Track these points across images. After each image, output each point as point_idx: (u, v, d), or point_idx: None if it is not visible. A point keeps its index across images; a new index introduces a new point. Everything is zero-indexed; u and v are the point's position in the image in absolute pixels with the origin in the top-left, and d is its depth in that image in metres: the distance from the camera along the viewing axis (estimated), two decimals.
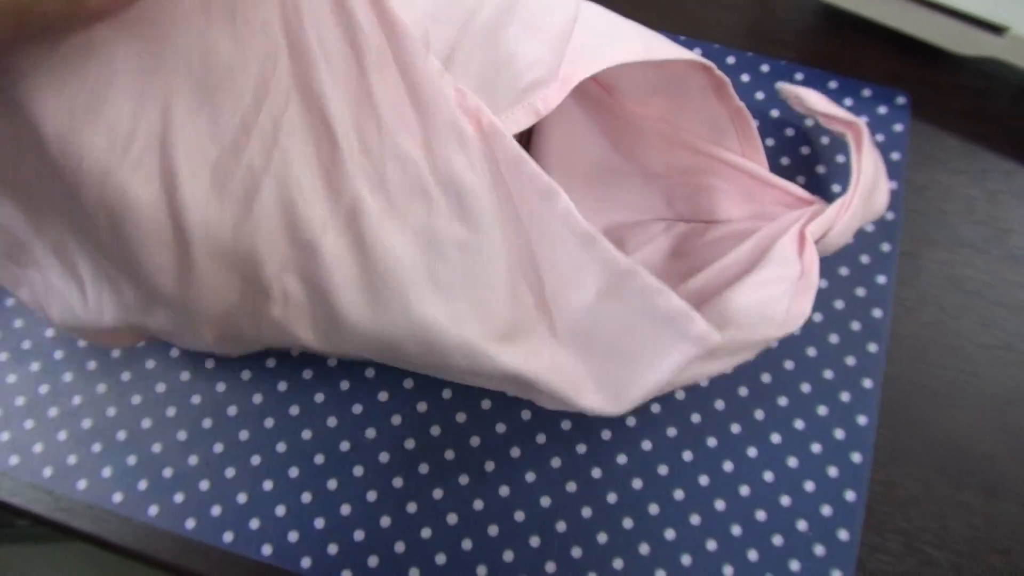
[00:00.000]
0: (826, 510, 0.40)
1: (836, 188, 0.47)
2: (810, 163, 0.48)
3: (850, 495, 0.40)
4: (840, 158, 0.47)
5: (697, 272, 0.42)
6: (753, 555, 0.39)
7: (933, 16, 0.46)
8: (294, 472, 0.41)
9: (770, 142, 0.48)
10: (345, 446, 0.42)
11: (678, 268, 0.43)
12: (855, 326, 0.43)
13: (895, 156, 0.47)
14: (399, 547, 0.40)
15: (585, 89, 0.44)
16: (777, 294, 0.36)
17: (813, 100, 0.43)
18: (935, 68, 0.49)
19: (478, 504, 0.40)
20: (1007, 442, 0.41)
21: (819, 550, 0.39)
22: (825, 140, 0.48)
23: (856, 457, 0.41)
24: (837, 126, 0.43)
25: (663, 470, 0.41)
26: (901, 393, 0.42)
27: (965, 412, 0.42)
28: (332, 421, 0.42)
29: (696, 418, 0.42)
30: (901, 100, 0.48)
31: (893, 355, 0.43)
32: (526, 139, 0.43)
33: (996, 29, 0.45)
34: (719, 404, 0.42)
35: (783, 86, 0.45)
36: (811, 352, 0.43)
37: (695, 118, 0.43)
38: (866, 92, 0.49)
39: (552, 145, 0.43)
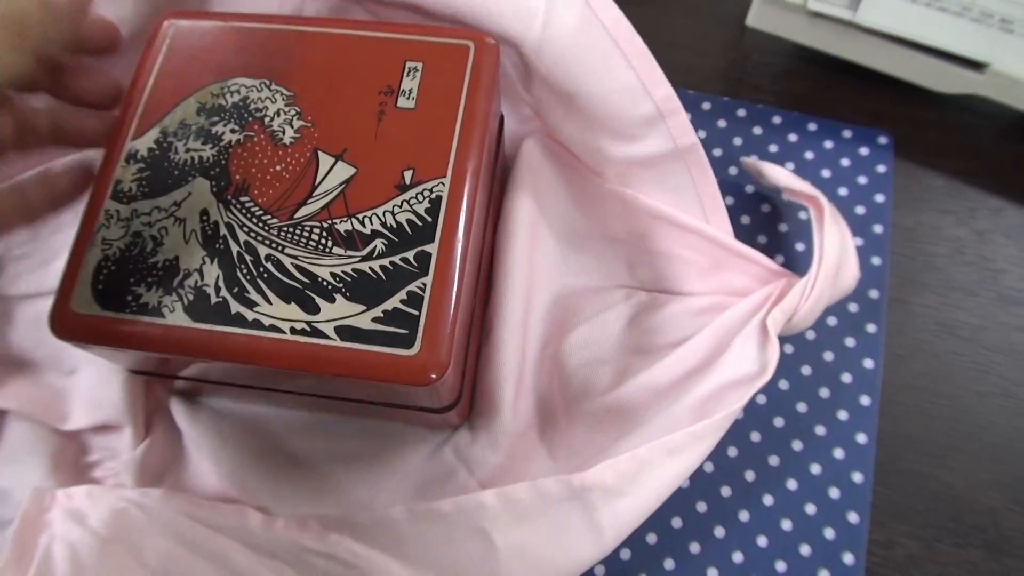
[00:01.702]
0: (824, 575, 0.38)
1: (800, 247, 0.45)
2: (773, 221, 0.46)
3: (848, 558, 0.38)
4: (803, 215, 0.46)
5: (649, 351, 0.41)
6: None
7: (912, 55, 0.45)
8: None
9: (730, 200, 0.47)
10: None
11: (633, 340, 0.42)
12: (846, 378, 0.42)
13: (879, 198, 0.46)
14: None
15: (554, 148, 0.43)
16: (734, 399, 0.36)
17: (775, 174, 0.42)
18: (916, 106, 0.48)
19: None
20: (1010, 495, 0.40)
21: None
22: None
23: (853, 517, 0.39)
24: (799, 199, 0.42)
25: (651, 539, 0.39)
26: (897, 447, 0.41)
27: (965, 465, 0.40)
28: None
29: (685, 483, 0.40)
30: (883, 140, 0.47)
31: (887, 408, 0.41)
32: (500, 187, 0.42)
33: (976, 65, 0.44)
34: (708, 467, 0.41)
35: (746, 160, 0.44)
36: (801, 408, 0.41)
37: (654, 181, 0.41)
38: (847, 133, 0.48)
39: (525, 200, 0.42)
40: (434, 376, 0.27)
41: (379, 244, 0.29)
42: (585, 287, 0.43)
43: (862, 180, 0.46)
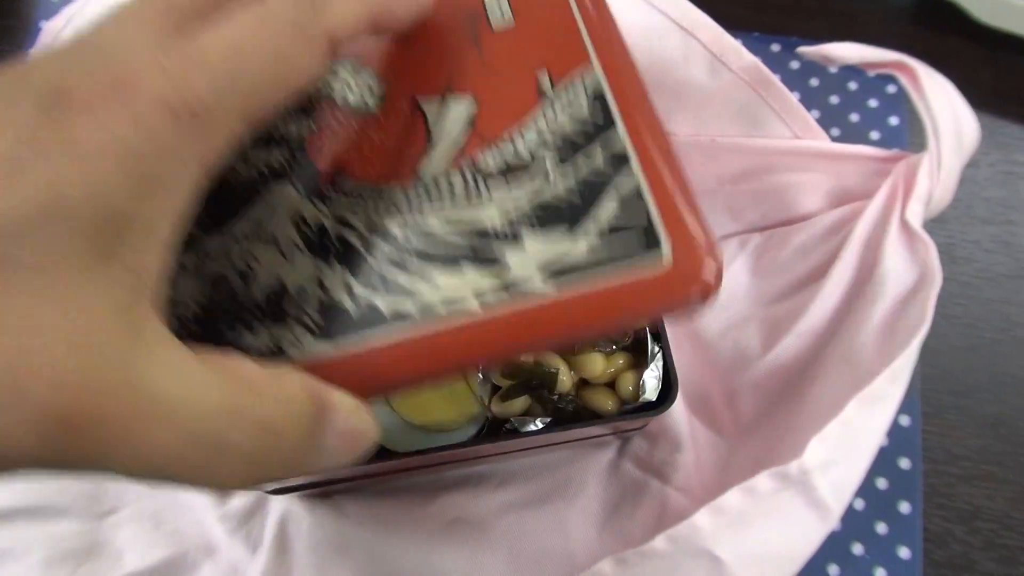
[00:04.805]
0: None
1: (875, 135, 0.42)
2: (842, 112, 0.43)
3: None
4: (873, 103, 0.43)
5: (789, 294, 0.38)
6: None
7: None
8: None
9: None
10: None
11: (766, 287, 0.38)
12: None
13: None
14: None
15: None
16: (914, 318, 0.32)
17: (844, 52, 0.37)
18: None
19: None
20: None
21: None
22: (854, 85, 0.43)
23: None
24: (883, 70, 0.38)
25: None
26: None
27: None
28: None
29: None
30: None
31: None
32: None
33: None
34: None
35: (805, 49, 0.40)
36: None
37: (727, 118, 0.39)
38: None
39: None
40: (711, 274, 0.20)
41: (547, 162, 0.23)
42: None
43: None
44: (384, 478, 0.36)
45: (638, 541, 0.31)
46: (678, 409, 0.36)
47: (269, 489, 0.33)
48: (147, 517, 0.38)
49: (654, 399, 0.29)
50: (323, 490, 0.37)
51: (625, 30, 0.37)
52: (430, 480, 0.37)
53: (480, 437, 0.31)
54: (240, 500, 0.38)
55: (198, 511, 0.38)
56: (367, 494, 0.37)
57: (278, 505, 0.37)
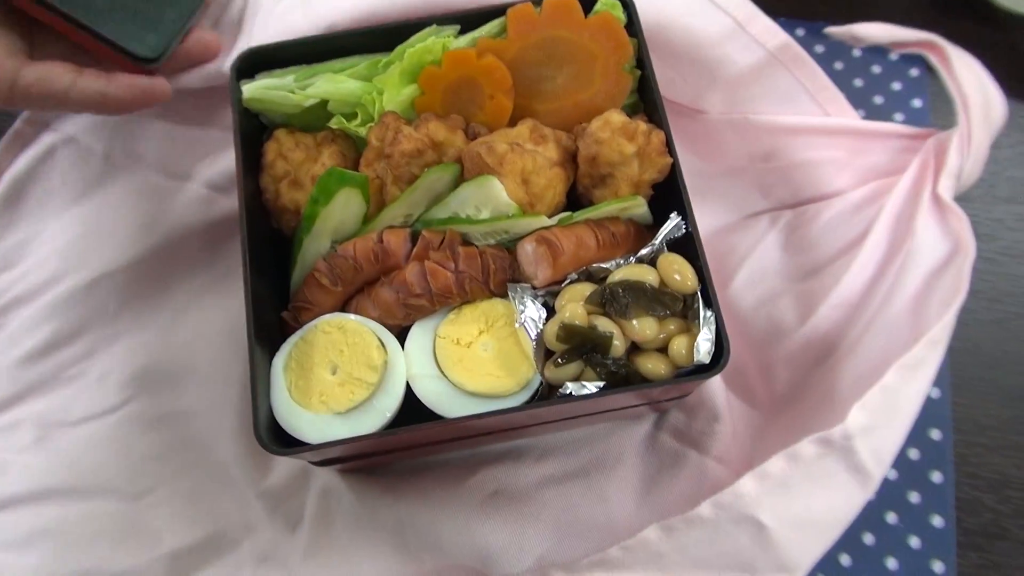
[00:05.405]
0: None
1: (899, 117, 0.43)
2: (867, 95, 0.44)
3: None
4: (896, 85, 0.44)
5: (822, 268, 0.38)
6: None
7: None
8: None
9: None
10: None
11: (799, 262, 0.39)
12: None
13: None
14: None
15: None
16: (951, 288, 0.33)
17: (872, 31, 0.38)
18: None
19: None
20: None
21: None
22: (878, 69, 0.44)
23: None
24: (910, 50, 0.39)
25: None
26: None
27: None
28: None
29: None
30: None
31: None
32: None
33: None
34: None
35: (832, 29, 0.41)
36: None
37: (760, 96, 0.39)
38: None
39: None
40: None
41: None
42: (724, 226, 0.41)
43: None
44: (429, 449, 0.36)
45: (677, 510, 0.31)
46: (716, 380, 0.36)
47: (316, 459, 0.33)
48: (184, 495, 0.37)
49: (707, 361, 0.29)
50: (365, 464, 0.37)
51: (663, 9, 0.39)
52: (471, 454, 0.37)
53: (534, 402, 0.31)
54: (280, 475, 0.37)
55: (237, 488, 0.37)
56: (408, 470, 0.37)
57: (319, 480, 0.37)
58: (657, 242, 0.32)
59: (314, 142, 0.36)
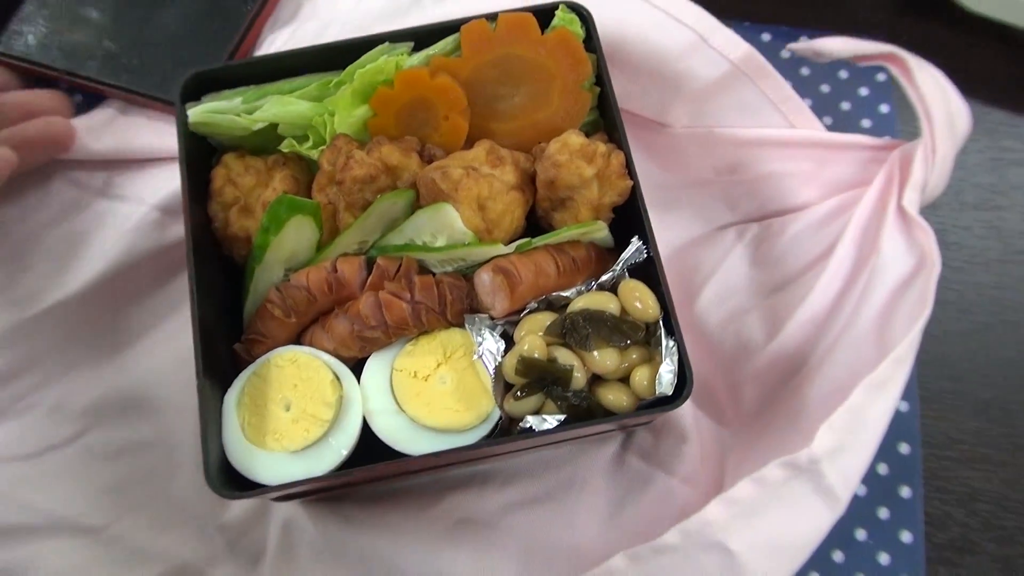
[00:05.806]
0: None
1: (866, 123, 0.42)
2: (834, 101, 0.43)
3: None
4: (863, 91, 0.43)
5: (788, 282, 0.38)
6: None
7: None
8: None
9: None
10: None
11: (766, 277, 0.39)
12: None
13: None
14: None
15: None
16: (917, 303, 0.33)
17: (833, 46, 0.37)
18: None
19: None
20: None
21: None
22: (844, 74, 0.44)
23: None
24: (873, 62, 0.38)
25: None
26: None
27: None
28: None
29: None
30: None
31: None
32: None
33: None
34: None
35: (795, 45, 0.40)
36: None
37: (724, 109, 0.39)
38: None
39: None
40: None
41: None
42: (690, 239, 0.40)
43: None
44: (389, 481, 0.35)
45: (645, 533, 0.31)
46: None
47: (272, 497, 0.32)
48: (143, 529, 0.36)
49: (670, 393, 0.29)
50: (327, 495, 0.36)
51: (624, 24, 0.38)
52: (434, 480, 0.36)
53: (493, 437, 0.31)
54: (241, 507, 0.37)
55: (198, 521, 0.36)
56: (371, 498, 0.37)
57: (280, 512, 0.36)
58: (618, 268, 0.31)
59: (265, 166, 0.34)
